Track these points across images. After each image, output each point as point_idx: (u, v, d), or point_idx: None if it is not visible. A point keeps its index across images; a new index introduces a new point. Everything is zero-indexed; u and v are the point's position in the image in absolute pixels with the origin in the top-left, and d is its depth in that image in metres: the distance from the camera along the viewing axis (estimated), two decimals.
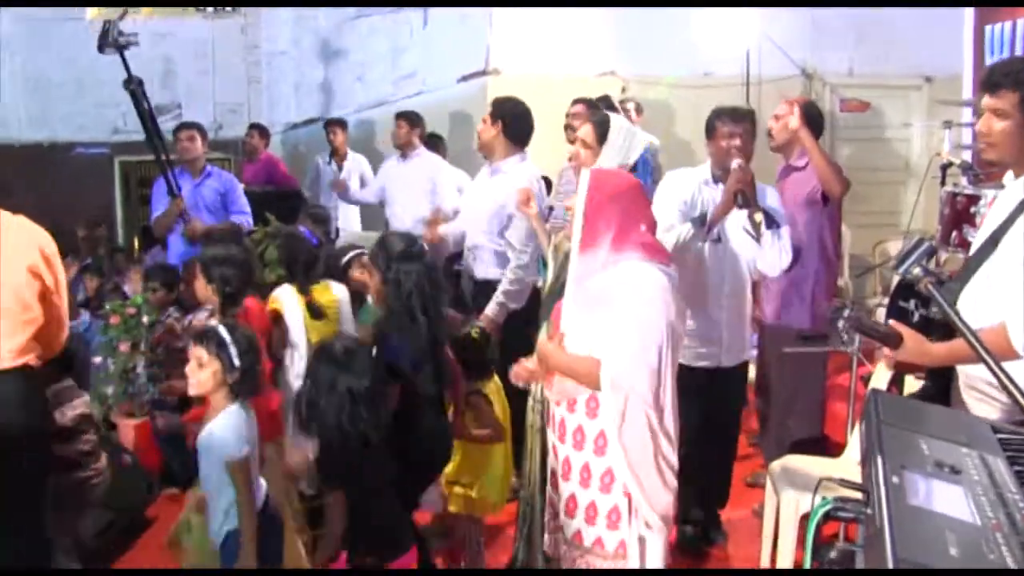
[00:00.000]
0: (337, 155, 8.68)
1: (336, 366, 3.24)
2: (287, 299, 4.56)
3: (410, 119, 7.33)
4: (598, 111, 5.17)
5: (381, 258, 3.79)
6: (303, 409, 3.27)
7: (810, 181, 5.00)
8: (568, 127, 6.21)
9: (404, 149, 7.33)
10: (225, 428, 3.36)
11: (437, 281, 3.83)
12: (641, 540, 3.12)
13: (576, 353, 3.16)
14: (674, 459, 3.11)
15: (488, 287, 5.05)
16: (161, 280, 5.48)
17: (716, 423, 4.47)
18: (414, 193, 7.18)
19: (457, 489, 4.11)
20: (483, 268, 5.20)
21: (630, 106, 7.79)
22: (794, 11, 8.67)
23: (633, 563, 3.12)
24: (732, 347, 4.49)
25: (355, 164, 8.67)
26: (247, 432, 3.40)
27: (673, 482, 3.11)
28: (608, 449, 3.10)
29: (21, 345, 3.46)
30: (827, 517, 1.94)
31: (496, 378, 4.17)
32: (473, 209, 5.32)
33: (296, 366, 4.46)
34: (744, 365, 4.67)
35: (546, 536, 3.49)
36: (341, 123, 8.81)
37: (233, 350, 3.37)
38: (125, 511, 4.81)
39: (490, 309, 4.90)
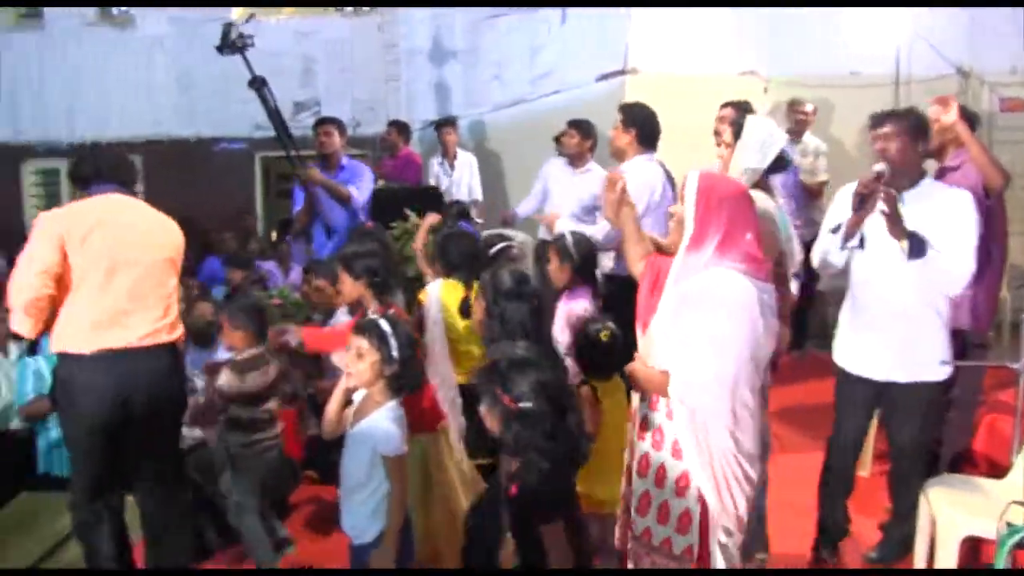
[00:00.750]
0: (448, 155, 8.69)
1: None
2: (434, 295, 4.54)
3: (582, 129, 6.85)
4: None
5: (489, 292, 3.77)
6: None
7: (967, 179, 4.71)
8: (716, 132, 6.05)
9: (574, 160, 7.00)
10: (383, 423, 3.35)
11: (542, 314, 3.83)
12: (722, 547, 3.07)
13: (661, 352, 3.12)
14: (752, 472, 3.06)
15: (614, 280, 5.14)
16: (323, 274, 5.50)
17: (894, 440, 4.27)
18: (584, 208, 6.91)
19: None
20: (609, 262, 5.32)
21: (808, 108, 7.56)
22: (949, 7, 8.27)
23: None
24: (906, 362, 4.05)
25: (465, 164, 8.66)
26: (403, 428, 3.39)
27: (747, 493, 3.06)
28: (685, 454, 3.08)
29: (172, 322, 3.92)
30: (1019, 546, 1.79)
31: (618, 377, 4.09)
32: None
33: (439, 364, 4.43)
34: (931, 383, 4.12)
35: (616, 529, 3.47)
36: (452, 123, 8.81)
37: (393, 343, 3.37)
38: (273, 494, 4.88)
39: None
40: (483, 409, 2.95)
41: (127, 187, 3.98)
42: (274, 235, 10.44)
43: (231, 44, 6.54)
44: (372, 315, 3.73)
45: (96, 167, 3.92)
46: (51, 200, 12.10)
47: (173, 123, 10.70)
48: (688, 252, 3.07)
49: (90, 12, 11.62)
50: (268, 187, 11.09)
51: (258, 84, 6.51)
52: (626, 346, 3.64)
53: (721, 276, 3.01)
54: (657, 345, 3.16)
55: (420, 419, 3.93)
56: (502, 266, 4.23)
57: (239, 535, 4.38)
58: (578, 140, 6.84)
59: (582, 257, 4.60)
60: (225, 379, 4.22)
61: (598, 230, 5.24)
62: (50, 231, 3.66)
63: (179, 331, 3.99)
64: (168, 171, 9.54)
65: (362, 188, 6.51)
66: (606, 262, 5.27)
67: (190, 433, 4.74)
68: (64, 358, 3.72)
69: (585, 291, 4.57)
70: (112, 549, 3.91)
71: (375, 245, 4.37)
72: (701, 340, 2.98)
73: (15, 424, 5.55)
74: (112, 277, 3.73)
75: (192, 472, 4.51)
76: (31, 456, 5.46)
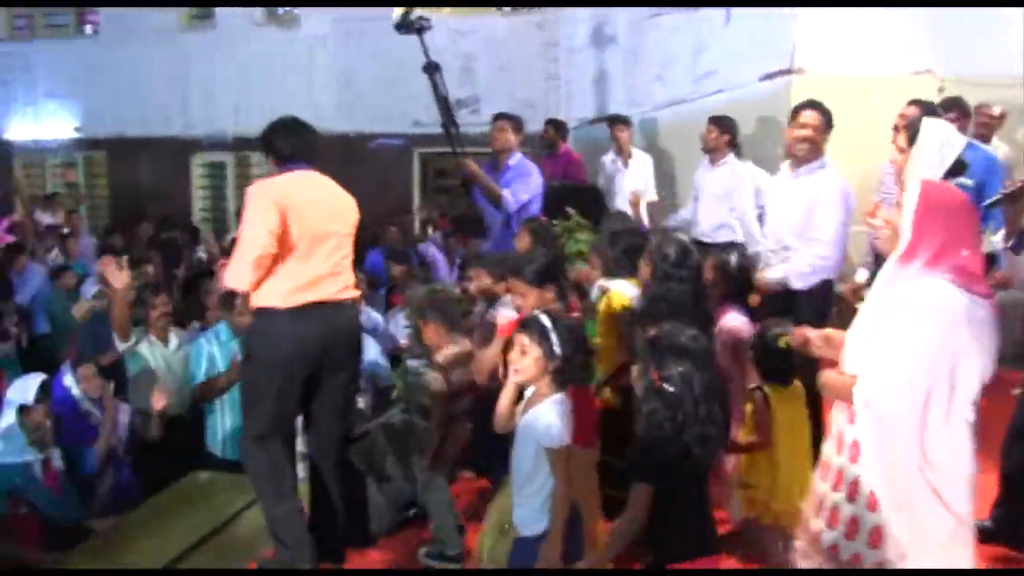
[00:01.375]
0: (622, 153, 8.60)
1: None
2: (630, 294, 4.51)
3: (721, 124, 6.99)
4: (931, 114, 4.81)
5: (655, 262, 4.01)
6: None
7: None
8: (895, 128, 5.84)
9: (712, 155, 7.03)
10: (545, 416, 3.34)
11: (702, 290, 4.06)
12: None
13: (855, 356, 3.01)
14: (951, 493, 2.87)
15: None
16: (488, 269, 5.50)
17: None
18: (716, 200, 6.95)
19: (751, 493, 4.01)
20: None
21: (996, 111, 7.24)
22: None
23: None
24: None
25: (640, 163, 8.56)
26: (566, 421, 3.37)
27: (939, 514, 2.87)
28: (861, 459, 2.95)
29: (354, 286, 4.24)
30: None
31: (797, 382, 4.02)
32: (781, 210, 5.09)
33: None
34: None
35: (798, 543, 3.32)
36: (625, 121, 8.70)
37: (554, 337, 3.36)
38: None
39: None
40: (635, 372, 3.26)
41: (314, 166, 4.17)
42: (431, 230, 10.63)
43: (409, 24, 6.63)
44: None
45: (293, 146, 4.12)
46: (217, 191, 12.64)
47: (334, 119, 10.94)
48: (900, 262, 2.94)
49: (257, 12, 12.07)
50: (426, 182, 11.29)
51: (431, 69, 6.57)
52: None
53: (930, 284, 2.85)
54: (852, 349, 3.06)
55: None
56: (667, 239, 4.26)
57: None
58: (716, 135, 6.99)
59: (742, 279, 4.57)
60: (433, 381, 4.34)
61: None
62: (271, 199, 3.88)
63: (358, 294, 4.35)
64: (328, 166, 9.74)
65: (518, 191, 6.39)
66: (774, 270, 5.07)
67: None
68: (268, 312, 3.94)
69: (734, 307, 4.50)
70: (289, 491, 4.06)
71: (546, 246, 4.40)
72: (897, 345, 2.83)
73: (177, 410, 5.78)
74: (315, 246, 3.97)
75: (357, 461, 4.59)
76: (199, 440, 5.68)
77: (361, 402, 5.60)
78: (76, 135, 13.24)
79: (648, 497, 3.14)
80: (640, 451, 3.18)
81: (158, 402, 5.47)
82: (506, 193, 6.36)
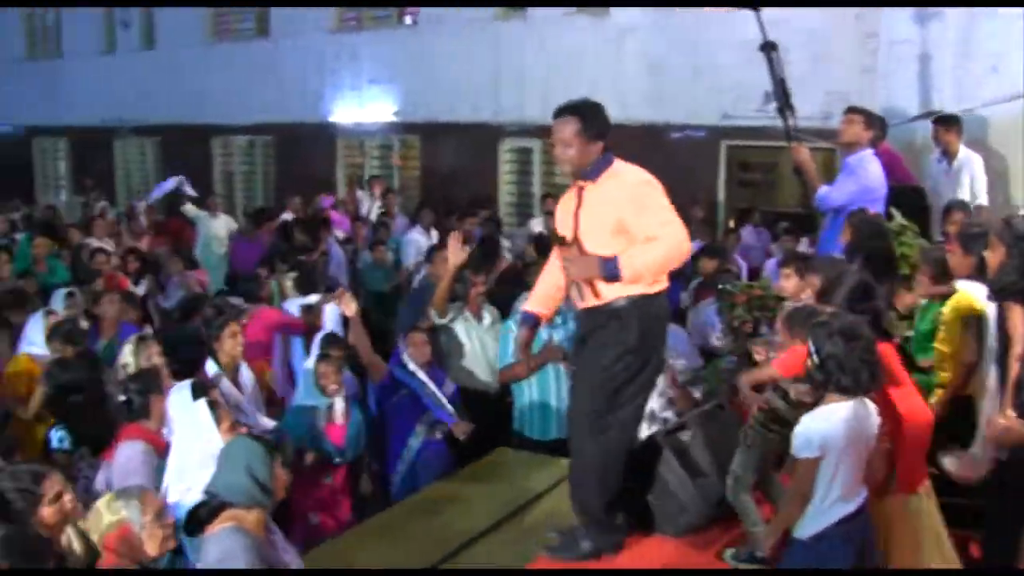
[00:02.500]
0: (948, 153, 8.06)
1: None
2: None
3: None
4: None
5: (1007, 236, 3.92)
6: None
7: None
8: None
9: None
10: (802, 424, 3.43)
11: None
12: None
13: None
14: None
15: None
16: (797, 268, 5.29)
17: None
18: None
19: None
20: None
21: None
22: None
23: None
24: None
25: (967, 165, 7.98)
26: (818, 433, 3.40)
27: None
28: None
29: None
30: None
31: None
32: None
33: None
34: None
35: None
36: (953, 121, 8.14)
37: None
38: None
39: None
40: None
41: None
42: (731, 223, 10.44)
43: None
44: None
45: (607, 126, 4.06)
46: (523, 177, 13.02)
47: (640, 108, 10.95)
48: None
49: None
50: (731, 175, 11.10)
51: (768, 48, 6.43)
52: None
53: None
54: None
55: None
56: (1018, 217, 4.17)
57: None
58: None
59: None
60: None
61: None
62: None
63: None
64: (633, 154, 9.77)
65: (836, 190, 6.08)
66: None
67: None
68: (647, 299, 3.95)
69: None
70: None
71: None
72: None
73: (489, 386, 5.97)
74: None
75: (670, 453, 4.55)
76: (506, 417, 5.84)
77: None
78: (394, 119, 14.04)
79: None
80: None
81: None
82: (823, 189, 6.12)
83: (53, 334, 5.85)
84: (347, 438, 5.28)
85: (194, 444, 4.02)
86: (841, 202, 6.03)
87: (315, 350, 5.65)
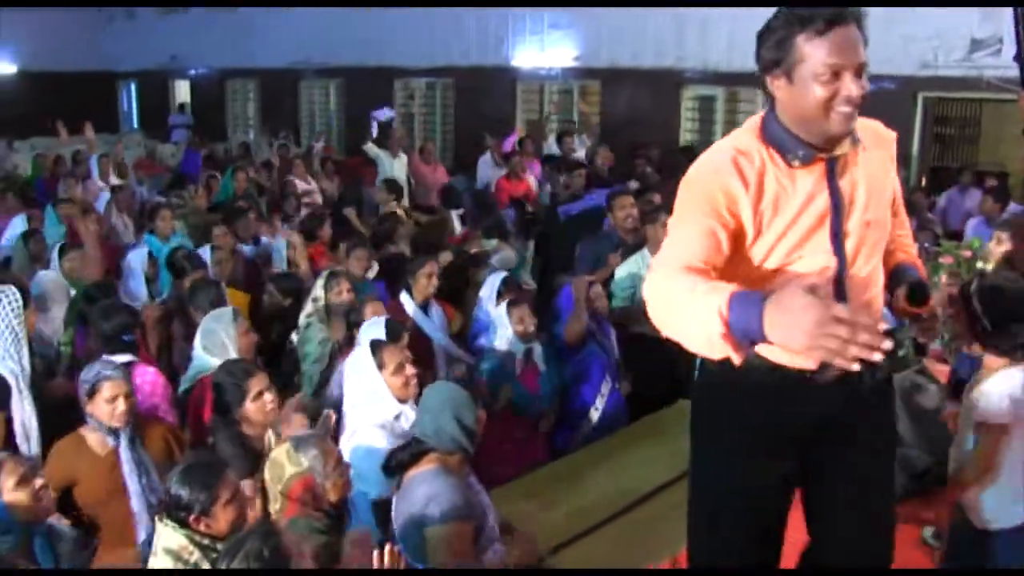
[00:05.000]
0: None
1: None
2: None
3: None
4: None
5: None
6: None
7: None
8: None
9: None
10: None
11: None
12: None
13: None
14: None
15: None
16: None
17: None
18: None
19: None
20: None
21: None
22: None
23: None
24: None
25: None
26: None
27: None
28: None
29: None
30: None
31: None
32: None
33: None
34: None
35: None
36: None
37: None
38: None
39: None
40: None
41: None
42: (923, 182, 10.05)
43: None
44: None
45: None
46: (705, 125, 12.82)
47: None
48: None
49: None
50: (925, 130, 10.64)
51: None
52: None
53: None
54: None
55: None
56: None
57: None
58: None
59: None
60: None
61: None
62: None
63: None
64: None
65: None
66: None
67: None
68: None
69: None
70: None
71: None
72: None
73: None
74: None
75: None
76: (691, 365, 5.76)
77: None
78: (574, 64, 14.02)
79: None
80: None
81: None
82: None
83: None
84: (543, 386, 5.18)
85: (364, 386, 4.17)
86: None
87: (491, 293, 5.60)
